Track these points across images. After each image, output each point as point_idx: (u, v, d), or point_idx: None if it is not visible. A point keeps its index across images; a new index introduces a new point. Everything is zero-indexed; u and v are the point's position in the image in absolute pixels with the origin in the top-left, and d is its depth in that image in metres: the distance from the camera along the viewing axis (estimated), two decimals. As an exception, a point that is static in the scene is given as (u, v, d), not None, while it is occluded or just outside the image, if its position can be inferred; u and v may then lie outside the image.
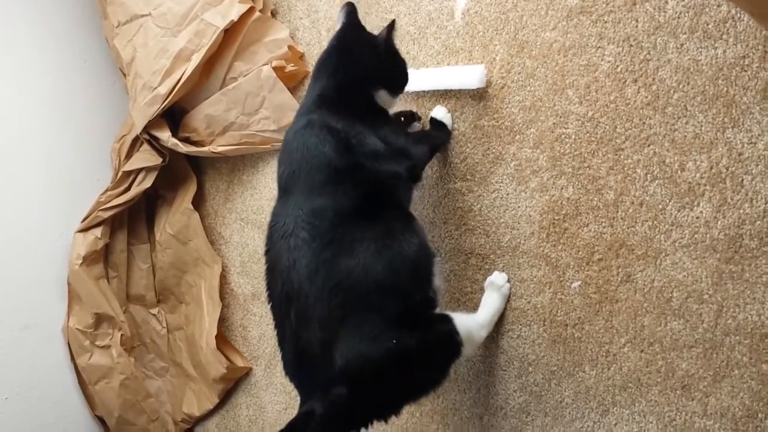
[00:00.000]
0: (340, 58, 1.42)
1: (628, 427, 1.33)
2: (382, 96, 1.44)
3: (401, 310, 1.24)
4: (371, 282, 1.23)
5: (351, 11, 1.49)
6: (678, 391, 1.26)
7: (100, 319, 2.15)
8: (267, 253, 1.34)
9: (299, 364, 1.26)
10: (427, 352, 1.27)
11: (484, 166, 1.55)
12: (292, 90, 1.90)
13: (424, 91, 1.65)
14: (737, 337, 1.20)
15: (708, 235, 1.22)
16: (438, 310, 1.35)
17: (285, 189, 1.37)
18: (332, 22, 1.84)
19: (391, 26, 1.43)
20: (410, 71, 1.51)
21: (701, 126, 1.22)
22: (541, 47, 1.44)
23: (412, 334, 1.23)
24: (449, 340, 1.30)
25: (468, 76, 1.53)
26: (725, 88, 1.20)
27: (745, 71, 1.18)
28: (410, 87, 1.53)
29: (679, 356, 1.26)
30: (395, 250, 1.27)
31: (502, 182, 1.52)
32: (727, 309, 1.21)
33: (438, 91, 1.62)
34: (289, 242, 1.26)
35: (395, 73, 1.48)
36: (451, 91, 1.60)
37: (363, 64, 1.41)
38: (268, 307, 1.32)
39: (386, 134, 1.40)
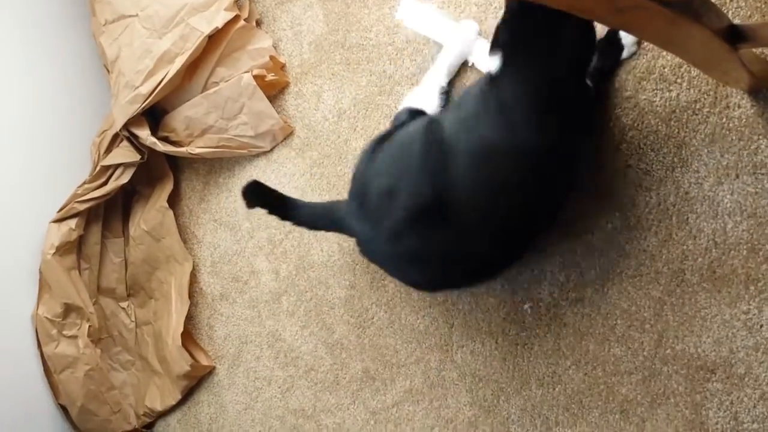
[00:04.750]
0: None
1: (569, 445, 1.39)
2: None
3: None
4: None
5: None
6: (617, 415, 1.33)
7: (68, 310, 2.17)
8: None
9: None
10: None
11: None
12: (272, 98, 1.95)
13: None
14: (674, 367, 1.26)
15: (653, 268, 1.29)
16: None
17: None
18: (315, 35, 1.89)
19: None
20: None
21: (652, 164, 1.28)
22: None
23: None
24: None
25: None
26: (677, 130, 1.26)
27: (696, 115, 1.24)
28: None
29: (620, 381, 1.32)
30: None
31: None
32: (667, 339, 1.27)
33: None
34: None
35: None
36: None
37: None
38: None
39: None
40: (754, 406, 1.18)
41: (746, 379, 1.19)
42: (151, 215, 2.24)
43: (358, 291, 1.76)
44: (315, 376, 1.83)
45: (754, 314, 1.18)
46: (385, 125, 1.72)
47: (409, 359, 1.65)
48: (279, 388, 1.90)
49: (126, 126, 2.09)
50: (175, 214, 2.20)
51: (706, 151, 1.23)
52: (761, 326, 1.18)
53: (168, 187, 2.24)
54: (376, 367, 1.71)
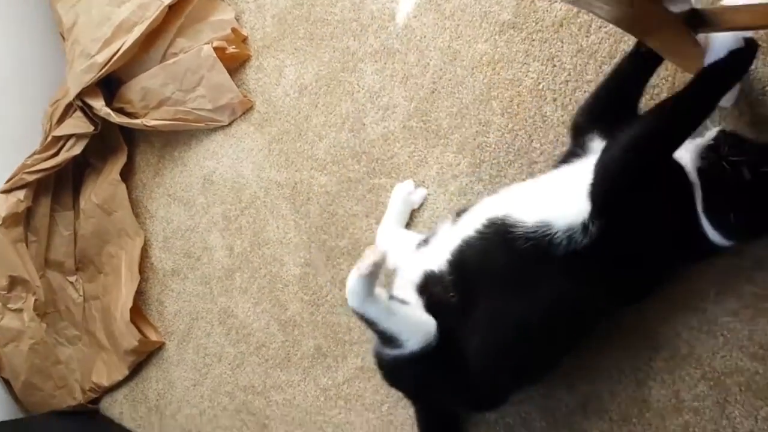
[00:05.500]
0: None
1: (513, 419, 1.41)
2: None
3: None
4: None
5: None
6: (563, 390, 1.35)
7: (14, 282, 2.12)
8: None
9: None
10: None
11: (408, 166, 1.61)
12: (232, 72, 1.92)
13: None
14: (620, 345, 1.29)
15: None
16: None
17: None
18: (278, 8, 1.87)
19: None
20: None
21: (606, 148, 1.30)
22: (472, 58, 1.51)
23: None
24: None
25: None
26: (633, 115, 1.28)
27: (654, 100, 1.27)
28: None
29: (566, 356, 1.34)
30: None
31: (424, 183, 1.58)
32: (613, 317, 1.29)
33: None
34: None
35: None
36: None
37: None
38: None
39: None
40: (696, 385, 1.21)
41: (689, 359, 1.22)
42: (103, 188, 2.19)
43: (313, 269, 1.75)
44: (266, 352, 1.81)
45: (699, 295, 1.21)
46: (347, 103, 1.72)
47: (362, 337, 1.65)
48: (229, 364, 1.88)
49: (80, 95, 2.05)
50: (128, 188, 2.16)
51: (659, 136, 1.25)
52: (706, 309, 1.21)
53: (121, 160, 2.19)
54: (329, 344, 1.70)
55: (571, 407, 1.34)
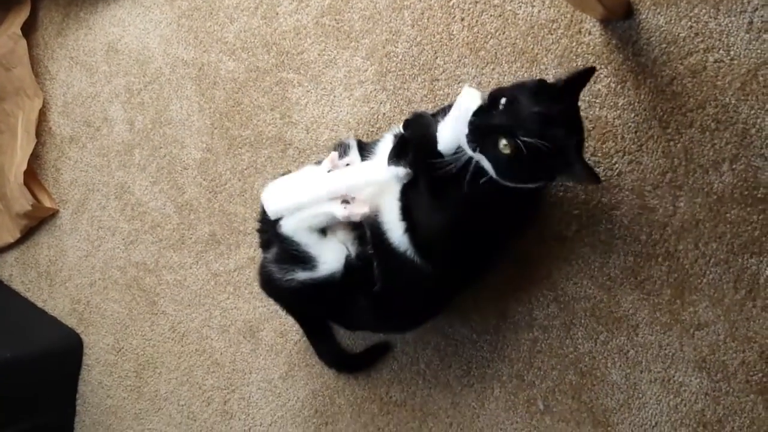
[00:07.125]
0: None
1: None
2: None
3: None
4: None
5: None
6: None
7: None
8: None
9: None
10: None
11: (317, 65, 1.59)
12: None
13: None
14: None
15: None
16: None
17: None
18: None
19: None
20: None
21: (505, 75, 1.34)
22: (390, -38, 1.48)
23: None
24: None
25: None
26: (532, 46, 1.31)
27: (552, 34, 1.29)
28: None
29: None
30: None
31: (331, 84, 1.58)
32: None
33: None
34: None
35: None
36: None
37: None
38: None
39: None
40: (548, 306, 1.32)
41: (545, 281, 1.32)
42: (3, 41, 2.07)
43: (214, 155, 1.75)
44: (161, 233, 1.83)
45: (563, 224, 1.30)
46: (260, -12, 1.66)
47: (256, 228, 1.69)
48: (123, 240, 1.89)
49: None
50: (28, 45, 2.05)
51: (553, 71, 1.29)
52: (566, 238, 1.30)
53: (24, 13, 2.08)
54: (223, 232, 1.74)
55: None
